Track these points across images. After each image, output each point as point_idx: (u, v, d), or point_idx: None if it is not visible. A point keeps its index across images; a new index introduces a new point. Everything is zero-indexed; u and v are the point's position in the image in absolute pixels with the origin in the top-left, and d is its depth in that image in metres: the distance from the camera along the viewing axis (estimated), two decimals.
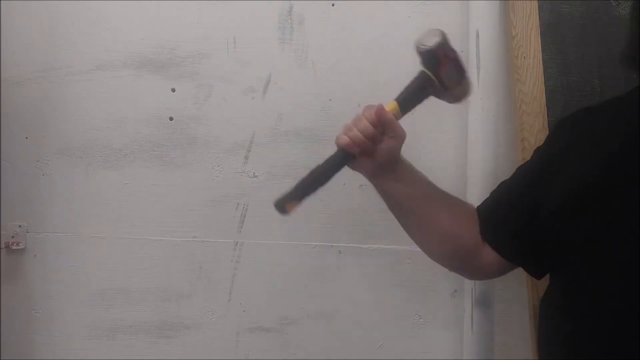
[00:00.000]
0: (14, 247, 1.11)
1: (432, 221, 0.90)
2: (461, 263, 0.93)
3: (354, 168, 0.87)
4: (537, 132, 1.07)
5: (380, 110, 0.84)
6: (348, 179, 1.14)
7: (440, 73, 0.85)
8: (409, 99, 0.88)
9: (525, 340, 1.09)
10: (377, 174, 0.88)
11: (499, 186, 0.94)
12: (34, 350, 1.13)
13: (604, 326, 0.74)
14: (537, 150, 0.92)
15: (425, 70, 0.86)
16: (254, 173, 1.14)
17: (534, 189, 0.85)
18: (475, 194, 1.06)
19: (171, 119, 1.14)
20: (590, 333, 0.76)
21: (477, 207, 0.94)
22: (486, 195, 0.95)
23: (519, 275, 1.12)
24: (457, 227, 0.90)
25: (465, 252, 0.90)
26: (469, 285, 1.11)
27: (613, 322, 0.74)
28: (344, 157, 0.86)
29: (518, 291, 1.11)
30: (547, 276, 0.89)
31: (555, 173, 0.83)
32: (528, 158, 0.94)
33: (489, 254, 0.89)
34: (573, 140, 0.84)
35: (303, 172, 1.13)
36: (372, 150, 0.84)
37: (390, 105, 0.86)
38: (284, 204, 0.87)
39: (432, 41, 0.84)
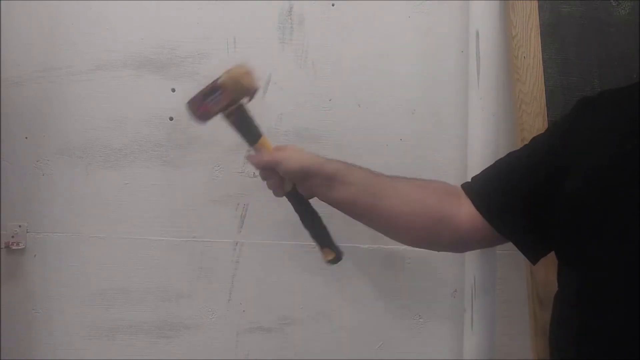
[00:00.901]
0: (14, 247, 1.11)
1: (385, 213, 0.89)
2: (431, 241, 0.93)
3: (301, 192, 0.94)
4: (537, 132, 1.07)
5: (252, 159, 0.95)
6: None
7: (212, 111, 0.91)
8: (242, 135, 0.94)
9: (525, 341, 1.09)
10: (314, 194, 0.93)
11: (506, 156, 0.92)
12: (34, 350, 1.13)
13: (616, 320, 0.73)
14: (556, 123, 0.89)
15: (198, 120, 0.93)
16: (254, 173, 1.14)
17: (554, 160, 0.82)
18: None
19: (171, 119, 1.14)
20: (602, 326, 0.74)
21: (466, 182, 0.93)
22: None
23: (519, 275, 1.12)
24: (422, 201, 0.89)
25: (432, 231, 0.89)
26: (469, 285, 1.10)
27: (626, 315, 0.72)
28: (289, 197, 0.95)
29: (518, 291, 1.11)
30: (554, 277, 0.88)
31: (580, 150, 0.80)
32: None
33: (467, 223, 0.87)
34: (601, 119, 0.81)
35: None
36: (279, 182, 0.93)
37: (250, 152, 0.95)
38: (324, 256, 0.97)
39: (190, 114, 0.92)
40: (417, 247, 0.99)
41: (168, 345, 1.14)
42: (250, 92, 0.91)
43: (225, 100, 0.90)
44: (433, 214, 0.89)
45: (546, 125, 1.07)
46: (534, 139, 0.92)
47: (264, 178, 0.95)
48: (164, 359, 1.14)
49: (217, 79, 0.89)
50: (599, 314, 0.75)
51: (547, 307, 1.02)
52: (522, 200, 0.85)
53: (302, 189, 0.93)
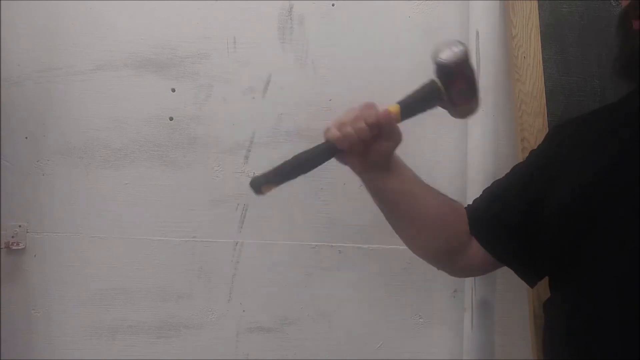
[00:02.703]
0: (14, 247, 1.11)
1: (419, 217, 0.89)
2: (447, 258, 0.93)
3: (342, 162, 0.86)
4: (537, 132, 1.08)
5: (385, 116, 0.81)
6: (348, 179, 1.14)
7: (452, 89, 0.82)
8: (413, 106, 0.84)
9: (525, 341, 1.09)
10: (366, 170, 0.86)
11: (492, 184, 0.94)
12: (34, 350, 1.13)
13: (605, 331, 0.74)
14: (533, 152, 0.92)
15: (437, 81, 0.83)
16: (254, 173, 1.14)
17: (531, 188, 0.85)
18: (475, 194, 1.06)
19: (171, 119, 1.14)
20: (593, 339, 0.75)
21: (468, 205, 0.94)
22: None
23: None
24: (444, 224, 0.89)
25: (452, 248, 0.90)
26: (469, 285, 1.11)
27: (613, 327, 0.74)
28: (332, 150, 0.83)
29: (518, 291, 1.11)
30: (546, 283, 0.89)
31: (554, 176, 0.82)
32: None
33: (475, 251, 0.89)
34: (572, 144, 0.84)
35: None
36: (364, 150, 0.82)
37: (392, 107, 0.82)
38: (261, 185, 0.83)
39: (452, 56, 0.80)
40: (432, 264, 0.98)
41: (168, 345, 1.14)
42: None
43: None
44: (455, 236, 0.90)
45: (546, 125, 1.07)
46: (514, 168, 0.94)
47: (365, 135, 0.81)
48: (164, 359, 1.14)
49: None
50: (588, 328, 0.76)
51: None
52: (510, 228, 0.86)
53: (379, 164, 0.86)
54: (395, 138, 0.83)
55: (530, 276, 0.91)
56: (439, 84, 0.82)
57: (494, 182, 0.95)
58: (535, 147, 0.93)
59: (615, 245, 0.75)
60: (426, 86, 0.83)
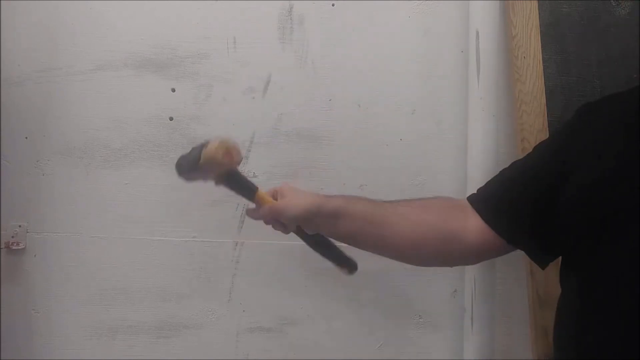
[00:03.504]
0: (14, 247, 1.11)
1: (392, 242, 0.90)
2: (442, 259, 0.94)
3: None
4: (537, 132, 1.08)
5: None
6: (348, 179, 1.14)
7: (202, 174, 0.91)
8: (237, 193, 0.94)
9: (525, 341, 1.09)
10: (320, 230, 0.93)
11: (502, 172, 0.93)
12: (34, 350, 1.13)
13: (615, 323, 0.73)
14: (556, 131, 0.90)
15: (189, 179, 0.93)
16: (254, 173, 1.14)
17: (554, 166, 0.83)
18: None
19: (171, 119, 1.14)
20: (602, 328, 0.75)
21: (472, 195, 0.93)
22: None
23: (519, 275, 1.12)
24: (422, 232, 0.89)
25: (442, 250, 0.89)
26: (469, 285, 1.11)
27: (626, 319, 0.73)
28: (297, 233, 0.95)
29: (518, 291, 1.11)
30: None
31: (575, 159, 0.80)
32: None
33: (472, 236, 0.88)
34: (594, 129, 0.82)
35: (303, 172, 1.14)
36: (283, 226, 0.92)
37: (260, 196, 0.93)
38: (344, 271, 0.99)
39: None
40: (430, 266, 1.00)
41: (168, 345, 1.14)
42: (233, 164, 0.90)
43: (209, 176, 0.91)
44: (440, 233, 0.89)
45: (546, 125, 1.07)
46: (536, 147, 0.92)
47: (267, 224, 0.94)
48: (164, 359, 1.14)
49: (198, 159, 0.87)
50: (599, 319, 0.75)
51: (547, 307, 1.02)
52: (527, 208, 0.85)
53: (306, 228, 0.93)
54: (286, 216, 0.91)
55: (543, 258, 0.89)
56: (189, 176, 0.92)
57: (512, 163, 0.93)
58: (559, 126, 0.91)
59: (635, 237, 0.73)
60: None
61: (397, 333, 1.17)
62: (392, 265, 1.15)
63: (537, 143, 0.94)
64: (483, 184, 0.94)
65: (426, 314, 1.17)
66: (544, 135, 1.07)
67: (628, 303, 0.73)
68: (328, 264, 1.15)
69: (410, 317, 1.17)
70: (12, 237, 1.11)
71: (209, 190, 1.14)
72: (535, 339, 1.04)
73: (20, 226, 1.12)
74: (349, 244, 0.95)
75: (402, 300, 1.17)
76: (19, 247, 1.11)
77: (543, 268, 0.91)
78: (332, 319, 1.16)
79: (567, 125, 0.88)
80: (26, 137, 1.12)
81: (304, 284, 1.15)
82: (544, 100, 1.08)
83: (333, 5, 1.15)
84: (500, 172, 0.94)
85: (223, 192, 1.13)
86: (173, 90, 1.13)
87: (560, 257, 0.86)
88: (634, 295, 0.72)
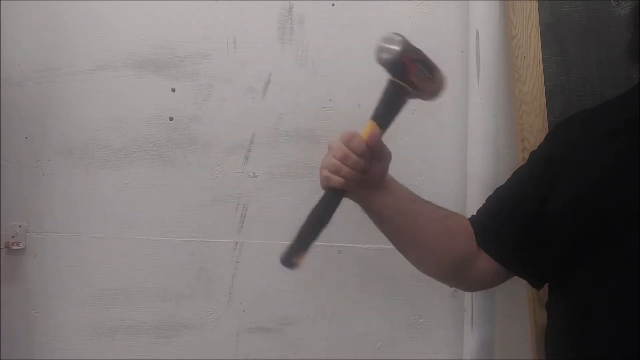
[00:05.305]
0: (14, 247, 1.11)
1: (421, 234, 0.88)
2: (456, 274, 0.92)
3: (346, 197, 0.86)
4: (537, 132, 1.07)
5: (372, 139, 0.80)
6: None
7: (410, 78, 0.81)
8: (387, 114, 0.83)
9: (525, 341, 1.09)
10: (366, 196, 0.86)
11: (495, 192, 0.93)
12: (34, 350, 1.13)
13: (611, 335, 0.74)
14: (534, 153, 0.91)
15: (394, 80, 0.82)
16: (254, 173, 1.14)
17: (535, 192, 0.84)
18: (475, 194, 1.06)
19: (171, 119, 1.14)
20: (595, 338, 0.76)
21: (472, 216, 0.93)
22: (487, 195, 0.94)
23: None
24: (449, 238, 0.88)
25: (460, 263, 0.89)
26: None
27: (620, 331, 0.74)
28: (339, 196, 0.83)
29: (518, 291, 1.11)
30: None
31: (558, 175, 0.82)
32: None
33: (484, 264, 0.88)
34: (573, 143, 0.83)
35: (303, 172, 1.14)
36: (364, 179, 0.82)
37: (370, 126, 0.82)
38: (292, 258, 0.85)
39: (393, 50, 0.80)
40: (443, 277, 0.98)
41: (168, 346, 1.14)
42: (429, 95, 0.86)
43: (417, 87, 0.83)
44: (454, 263, 0.90)
45: (546, 125, 1.07)
46: (516, 171, 0.93)
47: (362, 166, 0.81)
48: (164, 359, 1.14)
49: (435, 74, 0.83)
50: (591, 345, 0.76)
51: None
52: (517, 237, 0.86)
53: (368, 191, 0.87)
54: (385, 155, 0.83)
55: (538, 281, 0.90)
56: (398, 80, 0.82)
57: (496, 189, 0.93)
58: (536, 148, 0.93)
59: (621, 247, 0.74)
60: (388, 89, 0.83)
61: (397, 333, 1.17)
62: (392, 266, 1.16)
63: (517, 168, 0.95)
64: (483, 184, 0.94)
65: (426, 314, 1.17)
66: (544, 135, 1.06)
67: (625, 310, 0.74)
68: (328, 264, 1.16)
69: (410, 317, 1.17)
70: (12, 237, 1.11)
71: (209, 190, 1.14)
72: (535, 339, 1.04)
73: (20, 226, 1.12)
74: (384, 224, 0.90)
75: (402, 300, 1.17)
76: (19, 247, 1.11)
77: (538, 290, 0.93)
78: (332, 319, 1.16)
79: (542, 147, 0.90)
80: (26, 137, 1.12)
81: (303, 284, 1.15)
82: (544, 100, 1.08)
83: (333, 5, 1.15)
84: (494, 192, 0.93)
85: (223, 192, 1.14)
86: (173, 90, 1.14)
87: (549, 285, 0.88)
88: (624, 301, 0.73)
